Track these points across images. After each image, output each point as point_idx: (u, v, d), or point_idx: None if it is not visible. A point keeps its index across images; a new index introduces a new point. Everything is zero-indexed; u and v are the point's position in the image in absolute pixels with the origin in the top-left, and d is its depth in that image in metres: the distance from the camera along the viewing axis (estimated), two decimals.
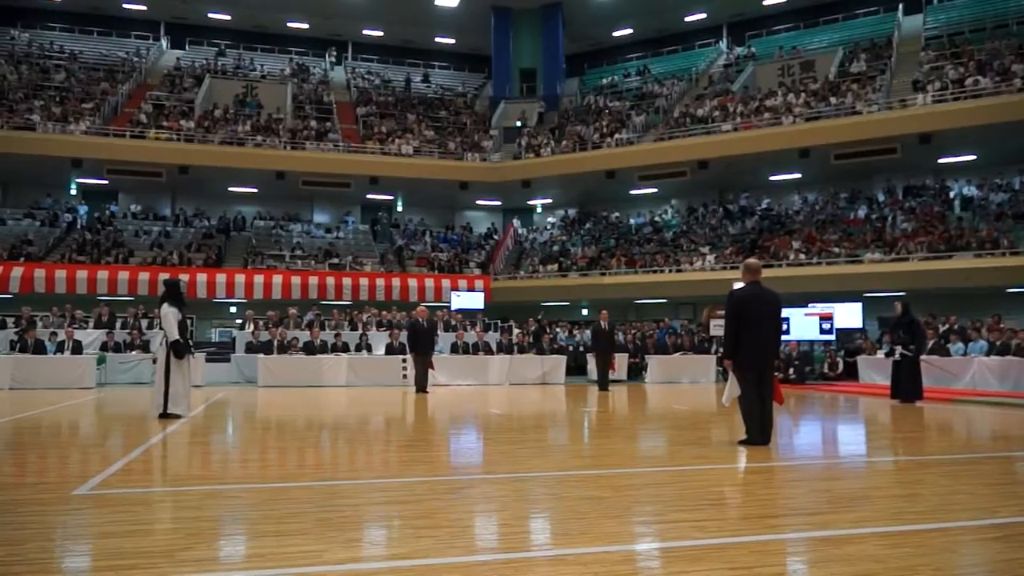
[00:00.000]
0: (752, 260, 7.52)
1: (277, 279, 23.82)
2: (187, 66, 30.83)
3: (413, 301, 23.31)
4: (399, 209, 30.25)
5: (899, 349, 12.61)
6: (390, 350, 17.33)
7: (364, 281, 24.58)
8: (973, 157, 22.61)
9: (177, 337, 9.34)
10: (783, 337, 17.00)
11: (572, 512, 4.32)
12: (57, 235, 25.02)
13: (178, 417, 9.23)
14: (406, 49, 34.92)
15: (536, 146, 27.39)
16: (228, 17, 32.42)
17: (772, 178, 26.12)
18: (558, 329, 21.54)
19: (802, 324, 19.01)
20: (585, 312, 26.93)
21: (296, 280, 23.95)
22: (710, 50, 32.26)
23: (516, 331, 19.98)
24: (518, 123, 30.01)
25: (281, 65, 32.42)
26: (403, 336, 16.53)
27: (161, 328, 9.74)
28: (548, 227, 30.46)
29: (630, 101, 29.21)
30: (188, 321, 10.63)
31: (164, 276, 12.48)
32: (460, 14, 31.38)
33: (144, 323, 18.11)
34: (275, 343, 17.12)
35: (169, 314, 9.42)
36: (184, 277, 18.70)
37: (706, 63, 31.24)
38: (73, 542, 3.71)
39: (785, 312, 16.06)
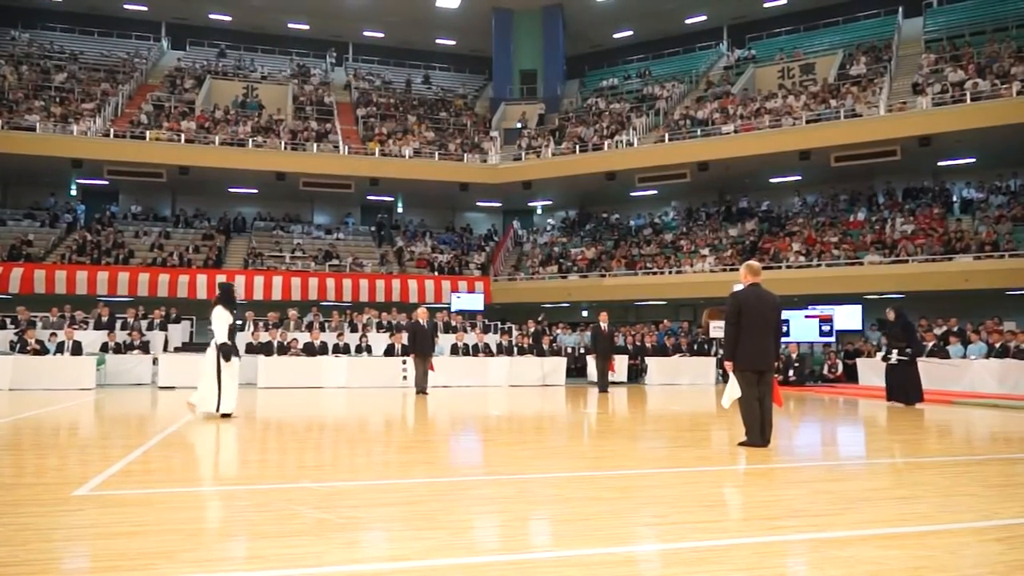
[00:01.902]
0: (752, 262, 7.55)
1: (277, 280, 23.81)
2: (188, 67, 30.82)
3: (413, 302, 23.29)
4: (399, 210, 30.25)
5: (895, 353, 12.61)
6: (389, 351, 17.32)
7: (364, 282, 24.57)
8: (972, 160, 22.64)
9: (226, 340, 9.50)
10: (783, 339, 17.04)
11: (573, 513, 4.32)
12: (57, 235, 25.03)
13: (215, 416, 9.40)
14: (407, 50, 34.91)
15: (536, 148, 27.39)
16: (229, 18, 32.44)
17: (772, 180, 26.12)
18: (558, 331, 21.53)
19: (802, 326, 19.04)
20: (585, 313, 26.91)
21: (296, 281, 23.94)
22: (710, 52, 32.25)
23: (516, 332, 19.99)
24: (518, 125, 30.01)
25: (282, 66, 32.42)
26: (404, 338, 16.54)
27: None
28: (548, 228, 30.47)
29: (630, 103, 29.20)
30: (238, 324, 10.83)
31: (221, 279, 12.60)
32: (461, 15, 31.39)
33: (144, 324, 18.09)
34: (275, 344, 17.13)
35: (221, 317, 9.55)
36: (235, 282, 18.58)
37: (706, 65, 31.25)
38: (73, 543, 3.70)
39: (785, 314, 16.14)
